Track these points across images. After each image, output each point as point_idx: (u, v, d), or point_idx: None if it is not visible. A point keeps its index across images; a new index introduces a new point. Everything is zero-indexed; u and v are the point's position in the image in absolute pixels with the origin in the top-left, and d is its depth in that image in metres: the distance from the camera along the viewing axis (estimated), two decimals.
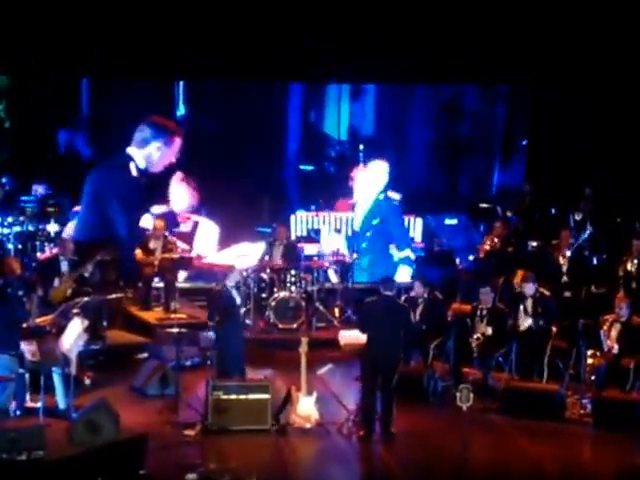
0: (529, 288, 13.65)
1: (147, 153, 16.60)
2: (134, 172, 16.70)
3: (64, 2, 16.69)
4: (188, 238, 17.77)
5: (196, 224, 18.13)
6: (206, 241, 18.05)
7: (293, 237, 18.03)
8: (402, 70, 18.13)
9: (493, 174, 20.43)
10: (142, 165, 16.72)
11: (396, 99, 20.77)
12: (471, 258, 17.18)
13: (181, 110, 20.19)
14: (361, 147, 19.23)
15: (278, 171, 20.50)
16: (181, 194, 17.77)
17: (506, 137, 20.35)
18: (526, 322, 13.46)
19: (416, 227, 18.94)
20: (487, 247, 16.58)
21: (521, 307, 13.57)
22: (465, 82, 19.57)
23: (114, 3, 16.76)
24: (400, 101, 20.77)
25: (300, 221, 18.94)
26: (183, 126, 20.00)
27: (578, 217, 16.62)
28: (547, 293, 13.90)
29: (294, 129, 20.76)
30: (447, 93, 20.53)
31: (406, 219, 18.83)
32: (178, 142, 16.86)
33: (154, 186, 17.30)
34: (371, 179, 18.52)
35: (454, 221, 18.94)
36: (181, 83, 20.08)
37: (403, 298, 14.12)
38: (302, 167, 20.53)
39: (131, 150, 16.64)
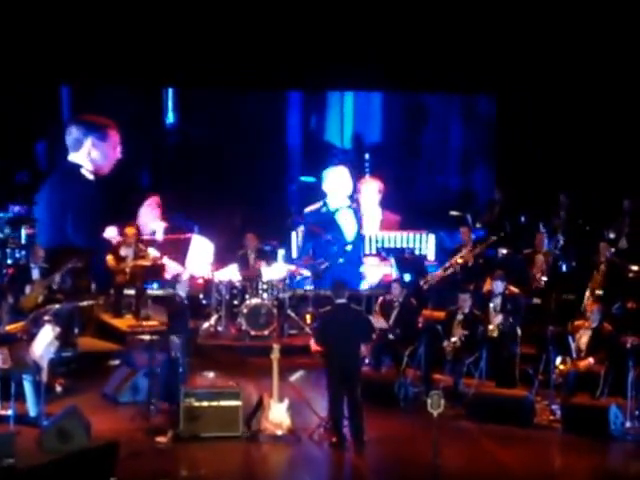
0: (498, 286, 13.87)
1: (86, 153, 16.26)
2: (89, 175, 16.42)
3: (45, 6, 16.42)
4: (181, 255, 17.07)
5: (189, 240, 17.37)
6: (200, 258, 17.20)
7: (293, 255, 17.64)
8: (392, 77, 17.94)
9: None
10: (89, 168, 16.42)
11: (405, 103, 19.74)
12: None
13: (170, 118, 19.44)
14: (367, 156, 18.53)
15: (277, 183, 19.38)
16: (148, 214, 17.26)
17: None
18: (496, 319, 13.59)
19: (429, 244, 17.84)
20: (460, 261, 16.29)
21: (491, 305, 13.72)
22: (437, 91, 19.31)
23: (98, 8, 16.46)
24: (409, 105, 19.70)
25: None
26: (173, 136, 19.58)
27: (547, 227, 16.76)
28: (516, 290, 14.13)
29: (293, 137, 19.77)
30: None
31: (418, 235, 17.90)
32: (114, 135, 16.38)
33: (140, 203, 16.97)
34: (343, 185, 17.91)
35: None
36: (170, 89, 19.21)
37: (380, 300, 14.22)
38: (303, 179, 19.47)
39: (72, 157, 16.34)
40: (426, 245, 17.92)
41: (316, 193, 18.54)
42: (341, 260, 17.56)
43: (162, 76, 17.77)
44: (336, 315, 11.78)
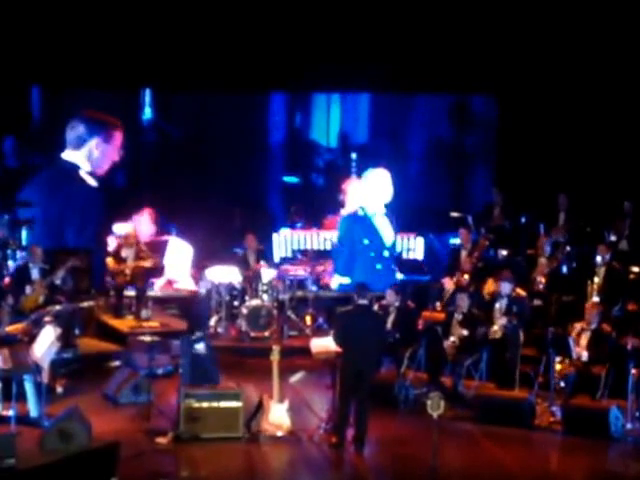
0: (505, 287, 13.86)
1: (86, 153, 15.70)
2: (90, 180, 15.99)
3: (18, 6, 16.18)
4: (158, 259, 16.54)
5: (165, 243, 16.90)
6: (178, 262, 16.86)
7: (276, 259, 17.29)
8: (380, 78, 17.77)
9: None
10: (87, 168, 15.96)
11: (393, 102, 19.30)
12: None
13: (147, 114, 18.89)
14: (353, 156, 17.93)
15: (258, 183, 18.96)
16: (145, 226, 16.86)
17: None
18: (501, 321, 13.60)
19: (417, 247, 17.33)
20: (466, 277, 15.67)
21: (496, 306, 13.73)
22: (435, 92, 19.21)
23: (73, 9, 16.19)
24: (398, 104, 19.27)
25: (284, 240, 17.51)
26: (150, 133, 19.12)
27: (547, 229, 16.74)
28: (523, 294, 14.11)
29: (277, 135, 19.30)
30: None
31: (405, 238, 17.37)
32: (119, 136, 15.75)
33: (116, 204, 16.69)
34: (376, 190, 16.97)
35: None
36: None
37: (376, 307, 14.21)
38: (286, 179, 19.15)
39: (68, 154, 15.84)
40: (414, 248, 17.54)
41: (299, 195, 18.09)
42: (379, 266, 16.97)
43: (142, 78, 17.40)
44: (356, 316, 11.70)
